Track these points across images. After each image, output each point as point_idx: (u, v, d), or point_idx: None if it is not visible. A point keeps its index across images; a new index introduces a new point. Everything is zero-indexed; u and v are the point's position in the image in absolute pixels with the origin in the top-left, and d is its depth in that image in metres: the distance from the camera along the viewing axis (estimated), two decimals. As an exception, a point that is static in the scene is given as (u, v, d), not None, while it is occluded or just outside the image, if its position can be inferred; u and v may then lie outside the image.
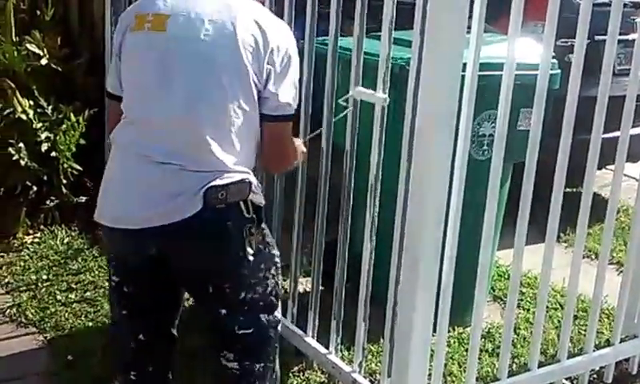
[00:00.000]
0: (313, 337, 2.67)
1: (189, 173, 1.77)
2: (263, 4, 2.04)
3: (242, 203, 1.82)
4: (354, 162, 2.45)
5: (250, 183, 1.84)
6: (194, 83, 1.77)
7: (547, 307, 2.92)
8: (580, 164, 2.44)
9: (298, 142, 2.12)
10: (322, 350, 2.61)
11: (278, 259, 1.96)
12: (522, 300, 3.24)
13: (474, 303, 2.38)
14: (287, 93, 1.84)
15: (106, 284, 3.14)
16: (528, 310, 3.21)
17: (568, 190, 2.45)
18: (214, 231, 1.80)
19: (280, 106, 1.84)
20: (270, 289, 1.92)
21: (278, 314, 1.97)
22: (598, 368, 2.81)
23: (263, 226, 1.90)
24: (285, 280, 2.96)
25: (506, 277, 3.40)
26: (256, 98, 1.81)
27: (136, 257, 1.88)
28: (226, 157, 1.79)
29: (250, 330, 1.90)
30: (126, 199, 1.82)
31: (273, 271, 1.93)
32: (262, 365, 1.94)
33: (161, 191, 1.78)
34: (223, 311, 1.88)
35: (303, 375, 2.68)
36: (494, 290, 3.35)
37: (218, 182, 1.77)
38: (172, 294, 1.99)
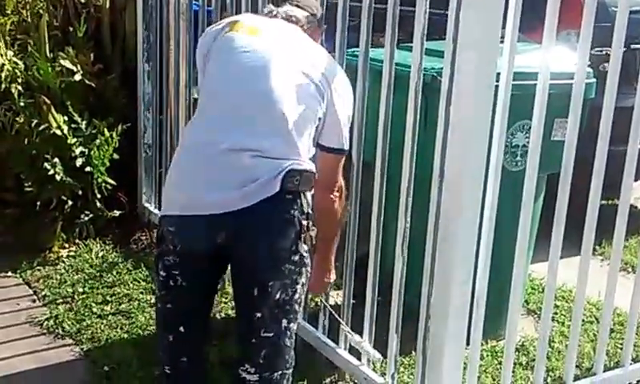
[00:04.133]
0: (345, 349, 2.66)
1: (266, 159, 1.87)
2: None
3: (302, 196, 1.92)
4: (385, 175, 2.44)
5: (315, 176, 1.97)
6: (280, 81, 1.92)
7: (582, 320, 2.88)
8: (616, 175, 2.41)
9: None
10: (355, 361, 2.60)
11: (310, 269, 2.02)
12: (556, 313, 3.20)
13: (507, 316, 2.36)
14: (340, 131, 2.05)
15: (141, 296, 3.20)
16: (563, 323, 3.16)
17: (603, 202, 2.42)
18: (283, 218, 1.89)
19: (333, 141, 2.03)
20: (297, 296, 1.97)
21: (295, 325, 2.01)
22: (634, 381, 2.75)
23: (313, 232, 1.98)
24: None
25: (540, 290, 3.36)
26: (319, 119, 1.99)
27: (203, 246, 1.93)
28: (300, 148, 1.92)
29: (271, 334, 1.94)
30: (200, 186, 1.90)
31: (304, 279, 1.98)
32: (280, 373, 1.99)
33: (238, 176, 1.86)
34: (258, 314, 1.92)
35: (335, 387, 2.68)
36: (527, 303, 3.31)
37: (295, 166, 1.89)
38: (214, 287, 2.06)
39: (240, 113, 1.92)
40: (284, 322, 1.96)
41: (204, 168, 1.91)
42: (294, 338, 2.02)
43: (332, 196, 2.11)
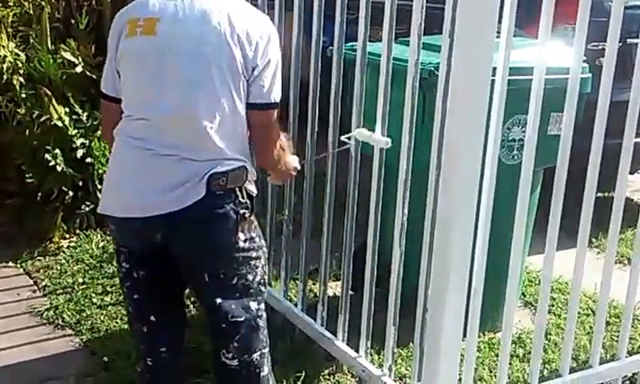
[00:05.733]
0: (343, 340, 2.68)
1: (191, 162, 1.90)
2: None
3: (237, 189, 1.95)
4: (383, 168, 2.46)
5: (247, 170, 1.98)
6: (188, 80, 1.89)
7: (579, 313, 2.89)
8: (611, 168, 2.42)
9: (293, 159, 2.20)
10: (352, 353, 2.62)
11: (265, 250, 2.08)
12: (552, 305, 3.22)
13: (504, 308, 2.38)
14: (270, 83, 1.95)
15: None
16: (559, 315, 3.18)
17: (599, 194, 2.43)
18: (213, 215, 1.93)
19: (265, 95, 1.95)
20: (259, 277, 2.03)
21: (263, 305, 2.08)
22: (630, 374, 2.77)
23: (253, 217, 2.02)
24: (314, 284, 3.00)
25: (537, 282, 3.38)
26: (245, 88, 1.92)
27: (143, 244, 1.99)
28: (224, 145, 1.92)
29: (242, 318, 2.00)
30: (133, 190, 1.94)
31: (262, 260, 2.04)
32: (259, 353, 2.06)
33: (166, 181, 1.90)
34: (218, 300, 1.98)
35: (333, 378, 2.70)
36: (524, 296, 3.32)
37: (218, 169, 1.91)
38: (176, 276, 2.07)
39: (161, 123, 1.91)
40: (252, 305, 2.02)
41: (134, 172, 1.94)
42: (264, 317, 2.08)
43: (272, 156, 2.08)
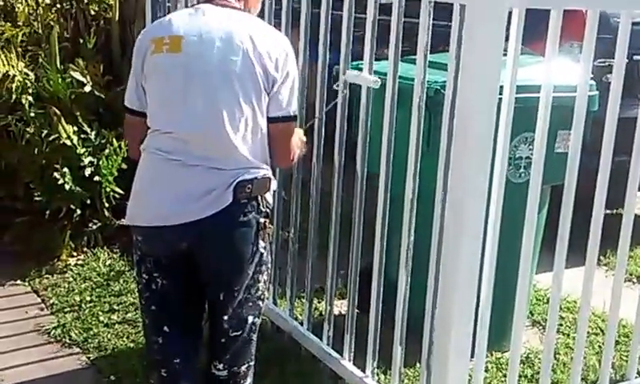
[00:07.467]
0: (349, 360, 2.66)
1: (218, 171, 1.95)
2: (262, 18, 2.24)
3: (259, 197, 2.00)
4: (389, 187, 2.45)
5: (270, 179, 2.04)
6: (212, 96, 1.95)
7: (588, 332, 2.87)
8: (620, 186, 2.41)
9: (299, 133, 2.23)
10: (359, 373, 2.60)
11: (270, 266, 2.13)
12: (561, 325, 3.19)
13: (512, 327, 2.36)
14: (289, 96, 2.04)
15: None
16: (568, 335, 3.15)
17: (608, 212, 2.41)
18: (238, 223, 1.97)
19: (284, 109, 2.03)
20: (259, 293, 2.08)
21: (259, 320, 2.13)
22: (640, 395, 2.75)
23: (269, 228, 2.06)
24: (320, 302, 2.99)
25: (545, 301, 3.35)
26: (266, 102, 1.99)
27: (168, 253, 2.03)
28: (249, 154, 1.98)
29: (239, 333, 2.06)
30: (161, 199, 1.99)
31: (265, 276, 2.09)
32: (247, 365, 2.13)
33: (194, 190, 1.95)
34: (225, 317, 2.04)
35: (339, 398, 2.68)
36: (532, 315, 3.30)
37: (245, 176, 1.97)
38: (197, 290, 2.09)
39: (187, 138, 1.96)
40: (250, 319, 2.07)
41: (162, 182, 1.99)
42: (257, 330, 2.13)
43: (290, 160, 2.17)
